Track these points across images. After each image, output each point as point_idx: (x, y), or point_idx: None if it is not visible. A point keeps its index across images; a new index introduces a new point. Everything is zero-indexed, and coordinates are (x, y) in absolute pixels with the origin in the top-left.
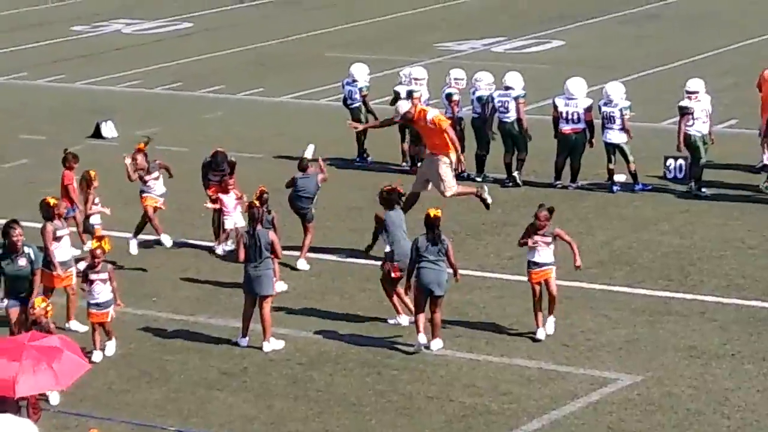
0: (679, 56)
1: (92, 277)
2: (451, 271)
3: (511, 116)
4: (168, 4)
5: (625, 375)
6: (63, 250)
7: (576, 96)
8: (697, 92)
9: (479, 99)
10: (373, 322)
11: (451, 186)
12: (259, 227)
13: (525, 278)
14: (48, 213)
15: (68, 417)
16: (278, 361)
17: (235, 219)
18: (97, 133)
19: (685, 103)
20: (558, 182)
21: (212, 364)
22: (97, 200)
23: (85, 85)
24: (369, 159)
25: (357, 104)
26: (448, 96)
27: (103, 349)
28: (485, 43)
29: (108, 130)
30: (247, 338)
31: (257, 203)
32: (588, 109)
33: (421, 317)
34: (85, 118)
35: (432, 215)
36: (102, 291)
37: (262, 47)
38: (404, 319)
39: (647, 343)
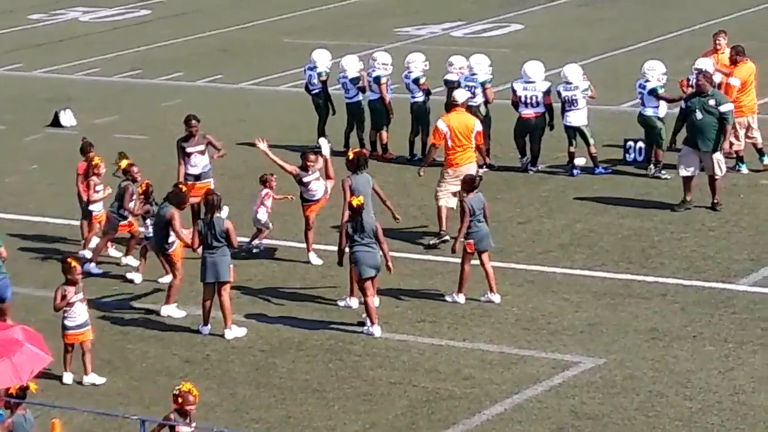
0: (637, 39)
1: (74, 299)
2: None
3: (477, 100)
4: None
5: (587, 358)
6: None
7: (534, 80)
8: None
9: (415, 81)
10: (336, 308)
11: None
12: (216, 215)
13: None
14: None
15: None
16: (240, 348)
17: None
18: (55, 122)
19: (655, 85)
20: (525, 158)
21: (174, 353)
22: (99, 187)
23: (43, 73)
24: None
25: (317, 90)
26: (446, 82)
27: (79, 382)
28: (444, 28)
29: (67, 118)
30: (208, 326)
31: (210, 196)
32: (547, 93)
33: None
34: (43, 106)
35: (355, 204)
36: (82, 312)
37: (221, 34)
38: (354, 302)
39: (609, 326)
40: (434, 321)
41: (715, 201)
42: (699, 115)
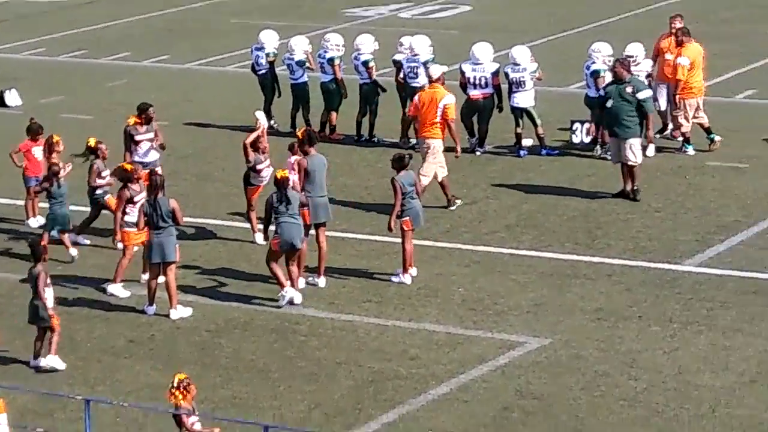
0: (586, 20)
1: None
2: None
3: (421, 81)
4: None
5: (532, 338)
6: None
7: (482, 61)
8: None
9: (364, 64)
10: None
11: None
12: (160, 195)
13: (430, 243)
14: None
15: None
16: (186, 328)
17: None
18: (0, 102)
19: (598, 67)
20: (473, 139)
21: (119, 332)
22: (105, 173)
23: None
24: (275, 125)
25: (264, 70)
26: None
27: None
28: (392, 9)
29: (12, 98)
30: (154, 306)
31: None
32: (495, 74)
33: (280, 270)
34: None
35: (279, 176)
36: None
37: (167, 14)
38: (301, 282)
39: (555, 307)
40: (380, 301)
41: (634, 188)
42: (613, 102)
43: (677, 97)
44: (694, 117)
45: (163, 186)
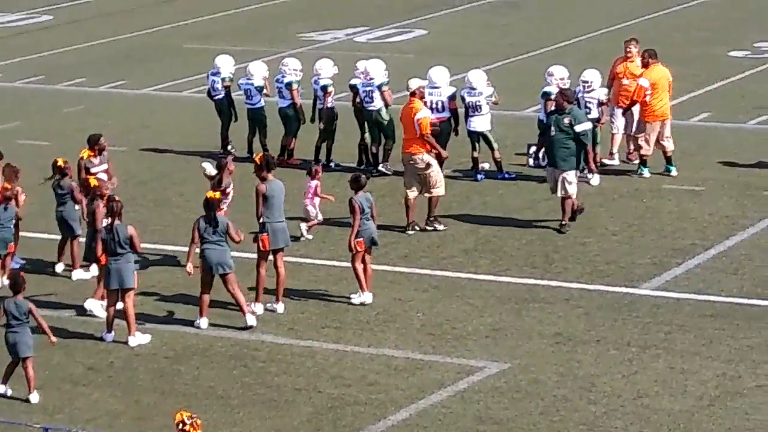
0: (540, 44)
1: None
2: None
3: (377, 105)
4: None
5: (491, 363)
6: None
7: (439, 85)
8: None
9: (323, 88)
10: (240, 314)
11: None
12: (117, 221)
13: (389, 268)
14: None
15: None
16: (144, 355)
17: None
18: None
19: (548, 88)
20: None
21: (78, 360)
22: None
23: None
24: (233, 150)
25: (220, 95)
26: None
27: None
28: (348, 33)
29: None
30: (112, 333)
31: (111, 202)
32: (451, 98)
33: (205, 297)
34: None
35: (209, 197)
36: None
37: (123, 39)
38: (259, 308)
39: (513, 331)
40: (339, 327)
41: (563, 222)
42: (552, 132)
43: (639, 119)
44: (659, 141)
45: (121, 212)
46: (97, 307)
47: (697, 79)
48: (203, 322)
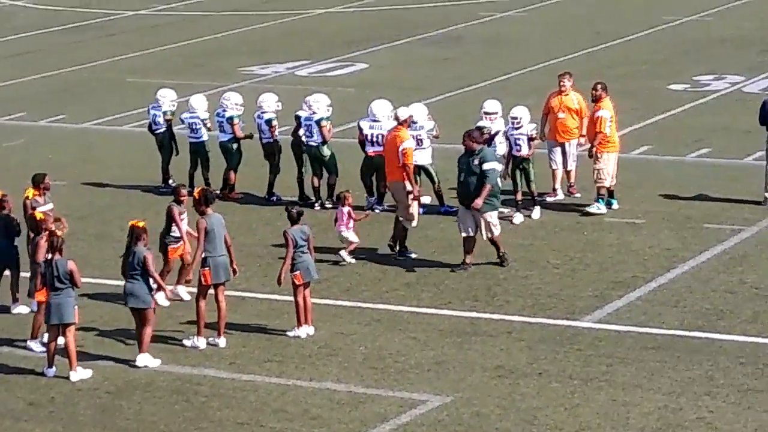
0: (481, 78)
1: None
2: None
3: (316, 140)
4: None
5: (434, 396)
6: None
7: (380, 118)
8: (495, 113)
9: (267, 122)
10: (182, 348)
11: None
12: (57, 256)
13: (331, 301)
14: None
15: None
16: (86, 390)
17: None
18: None
19: (482, 123)
20: (372, 198)
21: (19, 395)
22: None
23: None
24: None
25: (161, 129)
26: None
27: None
28: (289, 67)
29: None
30: (53, 368)
31: (51, 237)
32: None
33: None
34: None
35: (132, 225)
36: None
37: (63, 74)
38: (202, 342)
39: (456, 364)
40: (281, 361)
41: (501, 254)
42: (464, 175)
43: (595, 150)
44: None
45: (62, 247)
46: (36, 344)
47: (637, 113)
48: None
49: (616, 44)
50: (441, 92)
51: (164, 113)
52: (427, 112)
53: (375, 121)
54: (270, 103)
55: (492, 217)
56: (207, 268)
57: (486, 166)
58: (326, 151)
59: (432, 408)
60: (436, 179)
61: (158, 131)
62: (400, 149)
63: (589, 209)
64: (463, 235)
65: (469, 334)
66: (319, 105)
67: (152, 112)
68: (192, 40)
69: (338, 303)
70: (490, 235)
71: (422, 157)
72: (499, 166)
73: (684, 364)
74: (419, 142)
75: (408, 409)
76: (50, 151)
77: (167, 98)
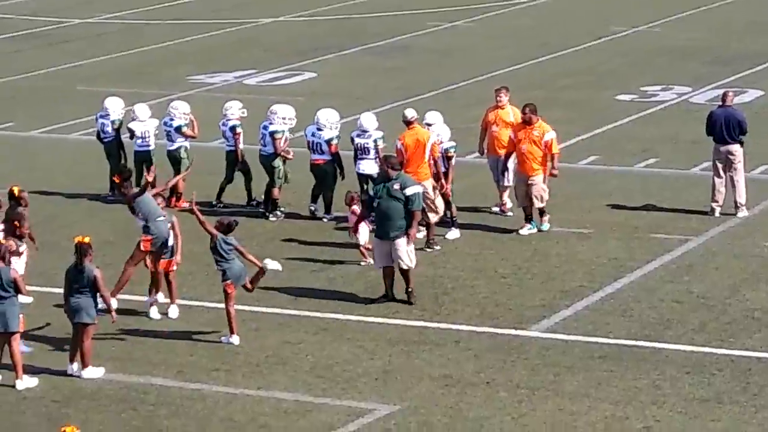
0: (428, 88)
1: None
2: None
3: (269, 149)
4: None
5: (382, 405)
6: None
7: (321, 127)
8: (434, 124)
9: (232, 129)
10: (129, 357)
11: None
12: (0, 264)
13: (279, 310)
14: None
15: None
16: (32, 398)
17: None
18: None
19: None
20: (312, 205)
21: None
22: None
23: None
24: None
25: (110, 138)
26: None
27: None
28: (237, 76)
29: None
30: None
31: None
32: (328, 141)
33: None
34: None
35: (77, 242)
36: None
37: (10, 81)
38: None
39: (403, 373)
40: (229, 369)
41: (409, 289)
42: (382, 202)
43: (549, 173)
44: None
45: (5, 256)
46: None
47: (584, 123)
48: (74, 366)
49: (563, 54)
50: (388, 101)
51: (113, 122)
52: (376, 121)
53: (319, 129)
54: (234, 110)
55: (410, 245)
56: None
57: (409, 191)
58: (276, 163)
59: (379, 417)
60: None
61: (107, 140)
62: (428, 146)
63: (521, 231)
64: (380, 266)
65: (417, 343)
66: (276, 116)
67: (101, 120)
68: (141, 48)
69: (286, 312)
70: (404, 265)
71: (370, 167)
72: (420, 189)
73: (631, 374)
74: (367, 150)
75: (356, 418)
76: None
77: (115, 107)
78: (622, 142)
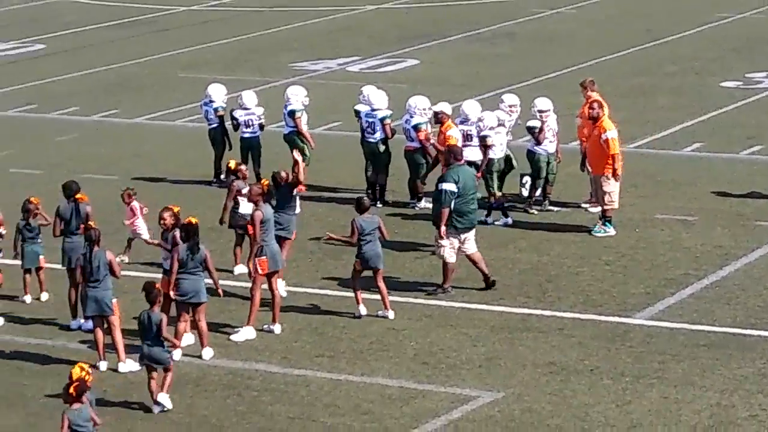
0: (533, 74)
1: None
2: (209, 280)
3: (377, 136)
4: (20, 26)
5: (485, 392)
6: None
7: (413, 113)
8: (547, 111)
9: (291, 114)
10: (233, 342)
11: None
12: (96, 248)
13: (373, 296)
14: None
15: None
16: (138, 383)
17: None
18: None
19: (533, 123)
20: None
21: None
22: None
23: None
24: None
25: (214, 125)
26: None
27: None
28: (340, 63)
29: None
30: (105, 361)
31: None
32: (416, 127)
33: (181, 325)
34: None
35: (194, 222)
36: None
37: (116, 68)
38: (278, 328)
39: (507, 360)
40: (333, 355)
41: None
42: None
43: (611, 172)
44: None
45: (99, 239)
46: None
47: (689, 110)
48: (207, 353)
49: (667, 41)
50: (492, 89)
51: (215, 109)
52: (480, 109)
53: (411, 116)
54: (299, 96)
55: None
56: (264, 257)
57: (440, 186)
58: (382, 147)
59: (483, 404)
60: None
61: (211, 126)
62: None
63: (594, 232)
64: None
65: (521, 330)
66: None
67: (204, 108)
68: (243, 36)
69: (390, 299)
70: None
71: (474, 154)
72: (454, 188)
73: (736, 362)
74: (469, 138)
75: (459, 405)
76: (102, 145)
77: (218, 94)
78: (727, 129)
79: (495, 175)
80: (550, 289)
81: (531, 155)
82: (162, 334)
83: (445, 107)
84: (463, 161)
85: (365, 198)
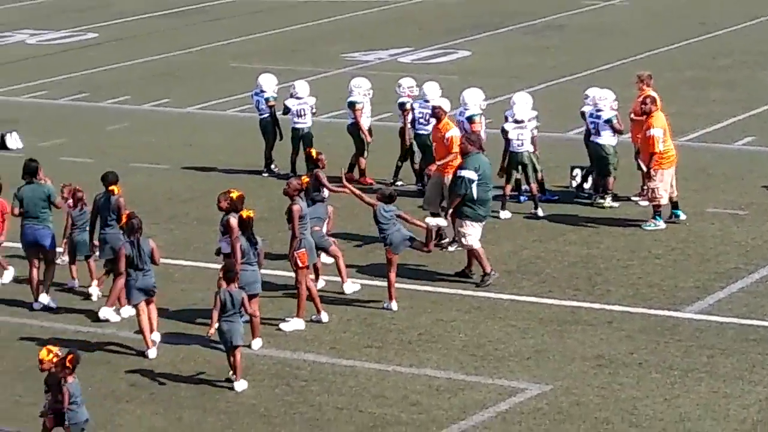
0: (584, 67)
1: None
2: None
3: (429, 128)
4: (72, 15)
5: (533, 384)
6: None
7: (466, 107)
8: (606, 99)
9: (350, 105)
10: (282, 333)
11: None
12: (140, 236)
13: (431, 288)
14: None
15: None
16: (187, 372)
17: None
18: (1, 145)
19: (609, 114)
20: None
21: (121, 377)
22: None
23: None
24: (276, 170)
25: (265, 115)
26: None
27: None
28: (392, 54)
29: (13, 141)
30: (155, 349)
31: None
32: (470, 119)
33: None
34: None
35: (245, 216)
36: None
37: (167, 58)
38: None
39: (555, 353)
40: (381, 346)
41: (467, 270)
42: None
43: (652, 168)
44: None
45: (141, 228)
46: (111, 314)
47: (741, 103)
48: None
49: (720, 34)
50: (543, 81)
51: (267, 99)
52: (531, 101)
53: (466, 109)
54: (362, 89)
55: (464, 226)
56: (303, 249)
57: (461, 173)
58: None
59: (531, 396)
60: (538, 167)
61: (262, 116)
62: (446, 141)
63: (644, 227)
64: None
65: (569, 323)
66: (434, 94)
67: (256, 98)
68: (295, 26)
69: (438, 290)
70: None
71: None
72: (472, 175)
73: None
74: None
75: (507, 397)
76: (153, 134)
77: (269, 84)
78: None
79: (519, 168)
80: (600, 282)
81: (596, 147)
82: (247, 311)
83: (443, 103)
84: (479, 150)
85: (392, 189)
